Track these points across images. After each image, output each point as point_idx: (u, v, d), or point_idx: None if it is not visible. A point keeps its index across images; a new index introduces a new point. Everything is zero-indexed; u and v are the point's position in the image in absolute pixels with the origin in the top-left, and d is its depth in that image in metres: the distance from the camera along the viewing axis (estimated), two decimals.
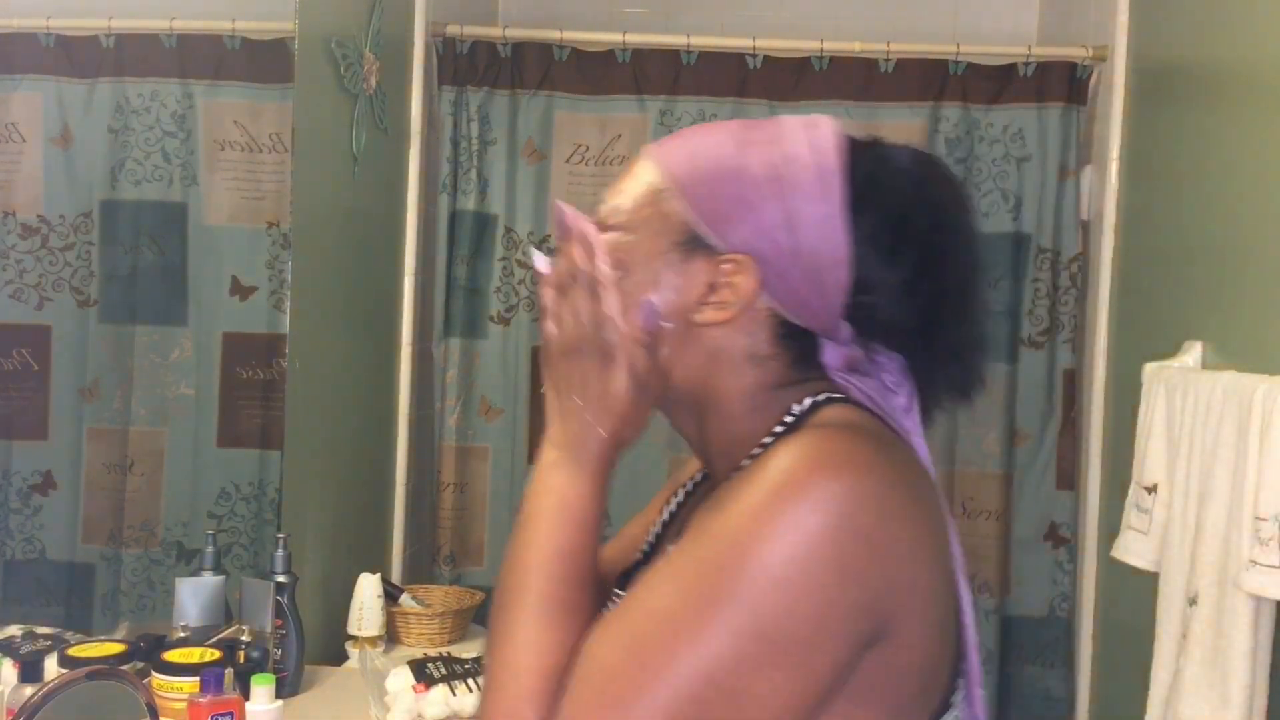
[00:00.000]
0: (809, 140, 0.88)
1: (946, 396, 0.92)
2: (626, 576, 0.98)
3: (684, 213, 0.88)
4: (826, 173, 0.87)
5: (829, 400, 0.87)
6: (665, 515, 1.04)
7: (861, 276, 0.86)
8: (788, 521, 0.74)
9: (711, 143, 0.90)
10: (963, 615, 0.87)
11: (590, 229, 0.89)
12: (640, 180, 0.91)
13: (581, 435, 0.88)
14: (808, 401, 0.88)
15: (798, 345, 0.89)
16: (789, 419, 0.87)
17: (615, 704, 0.74)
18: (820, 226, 0.86)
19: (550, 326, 0.90)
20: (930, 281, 0.88)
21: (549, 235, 2.77)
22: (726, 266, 0.87)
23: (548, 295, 0.91)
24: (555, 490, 0.87)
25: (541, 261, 0.93)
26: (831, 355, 0.89)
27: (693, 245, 0.88)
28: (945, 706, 0.83)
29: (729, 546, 0.75)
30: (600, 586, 0.89)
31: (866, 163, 0.88)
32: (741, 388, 0.89)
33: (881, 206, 0.87)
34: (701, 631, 0.74)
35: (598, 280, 0.87)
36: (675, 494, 1.05)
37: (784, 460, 0.78)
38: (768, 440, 0.86)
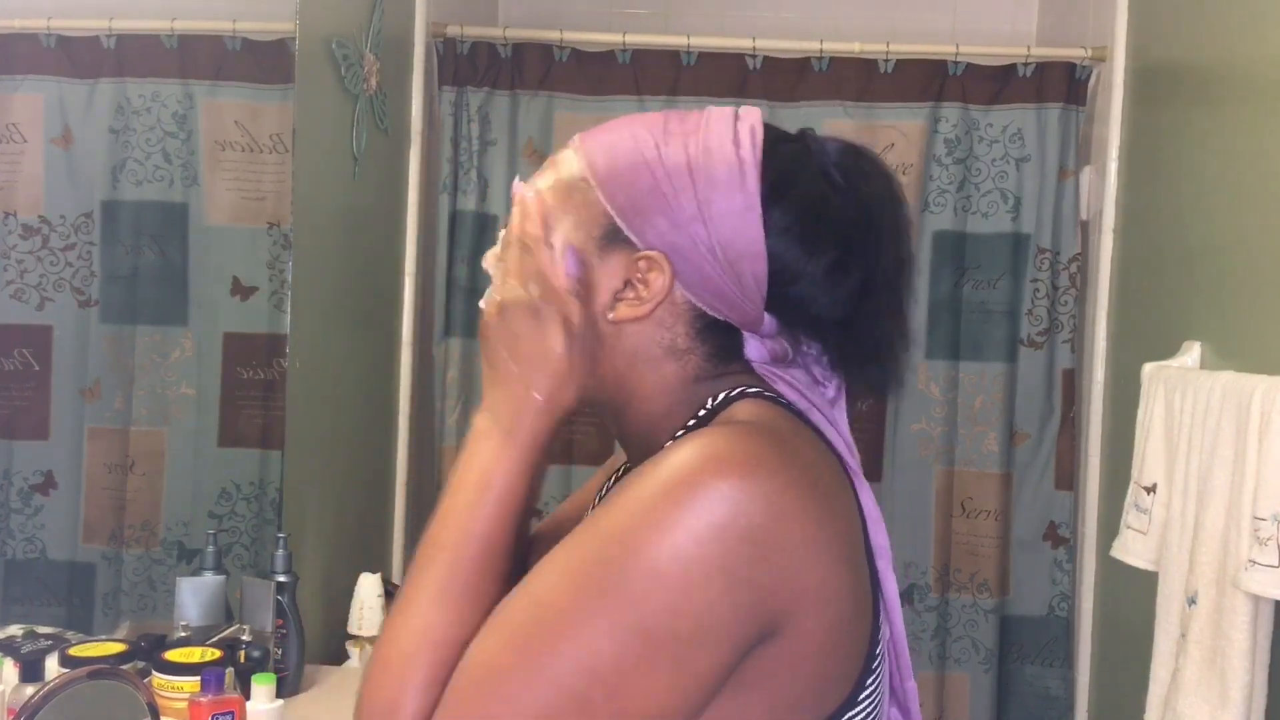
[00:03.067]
0: (730, 132, 0.88)
1: (862, 390, 0.93)
2: None
3: (603, 206, 0.87)
4: (743, 164, 0.86)
5: (742, 394, 0.87)
6: (596, 500, 1.04)
7: (782, 268, 0.86)
8: (675, 520, 0.73)
9: (631, 134, 0.89)
10: (885, 610, 0.86)
11: (529, 196, 0.89)
12: (564, 169, 0.90)
13: (515, 402, 0.86)
14: (721, 395, 0.87)
15: (717, 338, 0.88)
16: (701, 413, 0.87)
17: (494, 696, 0.73)
18: (735, 219, 0.85)
19: (488, 293, 0.90)
20: (853, 273, 0.87)
21: None
22: (641, 263, 0.86)
23: (488, 262, 0.91)
24: (480, 464, 0.85)
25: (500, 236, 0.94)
26: (754, 348, 0.89)
27: (611, 240, 0.87)
28: (851, 703, 0.82)
29: (616, 541, 0.74)
30: (522, 568, 0.85)
31: (787, 154, 0.88)
32: (660, 382, 0.89)
33: (800, 198, 0.87)
34: (585, 625, 0.73)
35: (528, 237, 0.87)
36: (610, 479, 1.05)
37: (677, 457, 0.77)
38: (680, 434, 0.86)
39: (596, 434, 2.78)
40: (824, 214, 0.87)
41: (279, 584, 1.77)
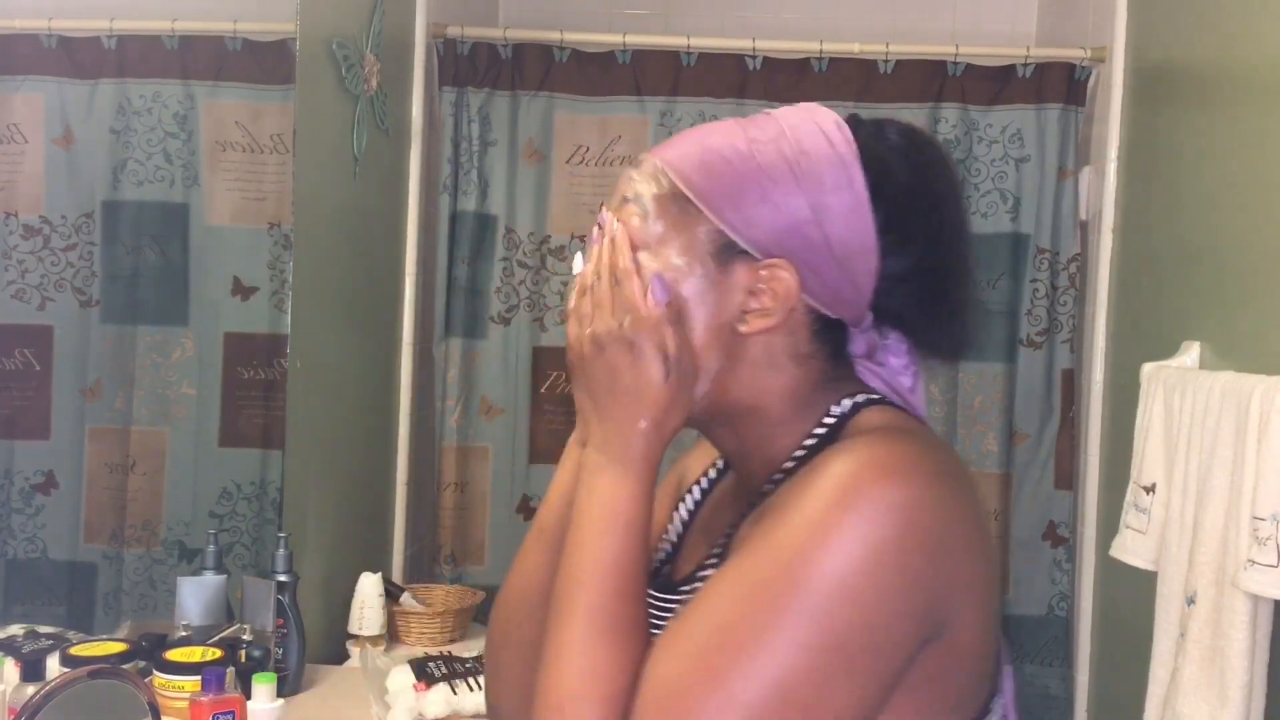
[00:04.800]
0: (818, 130, 0.88)
1: (942, 358, 0.94)
2: (654, 578, 0.97)
3: (711, 223, 0.86)
4: (845, 162, 0.86)
5: (868, 402, 0.88)
6: (684, 514, 1.03)
7: (884, 259, 0.87)
8: (851, 532, 0.75)
9: (717, 147, 0.88)
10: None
11: (618, 227, 0.88)
12: (651, 190, 0.89)
13: (624, 433, 0.86)
14: (846, 403, 0.88)
15: (833, 339, 0.89)
16: (829, 420, 0.87)
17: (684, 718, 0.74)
18: (847, 216, 0.86)
19: (572, 326, 0.89)
20: (940, 259, 0.89)
21: (549, 236, 2.78)
22: (764, 272, 0.86)
23: (573, 296, 0.90)
24: (602, 498, 0.85)
25: (577, 263, 0.92)
26: (858, 344, 0.90)
27: (727, 254, 0.86)
28: (994, 693, 0.85)
29: (793, 557, 0.75)
30: None
31: (875, 148, 0.88)
32: (783, 389, 0.89)
33: (896, 191, 0.87)
34: (770, 644, 0.74)
35: (619, 272, 0.86)
36: (690, 491, 1.05)
37: (840, 468, 0.78)
38: (810, 443, 0.87)
39: None
40: (914, 204, 0.88)
41: (280, 583, 1.77)
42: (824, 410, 0.88)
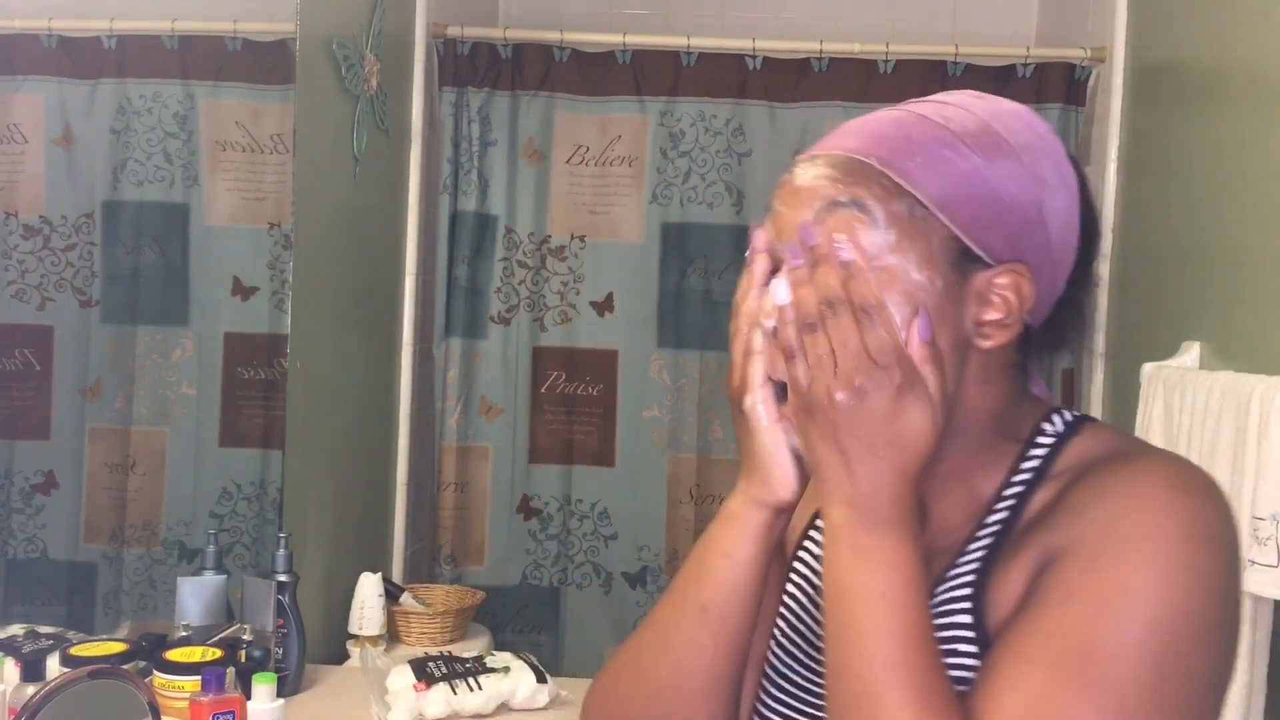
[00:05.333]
0: (1032, 125, 0.82)
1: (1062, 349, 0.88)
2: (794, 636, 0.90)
3: (947, 229, 0.77)
4: (1059, 158, 0.81)
5: (1078, 419, 0.84)
6: (803, 557, 0.94)
7: (1075, 265, 0.83)
8: (1206, 566, 0.72)
9: (930, 139, 0.79)
10: None
11: (846, 244, 0.77)
12: (874, 190, 0.78)
13: (881, 486, 0.75)
14: (1058, 421, 0.83)
15: (1027, 347, 0.83)
16: (1045, 441, 0.82)
17: None
18: (1064, 216, 0.80)
19: (797, 369, 0.76)
20: (1093, 264, 0.86)
21: (549, 236, 2.78)
22: (1003, 279, 0.78)
23: (790, 333, 0.77)
24: (883, 563, 0.74)
25: (782, 292, 0.78)
26: (1027, 351, 0.84)
27: (963, 263, 0.78)
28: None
29: (1161, 604, 0.70)
30: (747, 643, 0.83)
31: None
32: (991, 409, 0.82)
33: (1085, 190, 0.83)
34: (1169, 691, 0.70)
35: (868, 305, 0.75)
36: (804, 535, 0.95)
37: (1161, 497, 0.73)
38: (1025, 477, 0.81)
39: (596, 434, 2.79)
40: (1092, 208, 0.84)
41: (280, 584, 1.77)
42: (1027, 430, 0.82)
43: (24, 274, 1.64)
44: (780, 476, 0.82)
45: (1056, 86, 2.67)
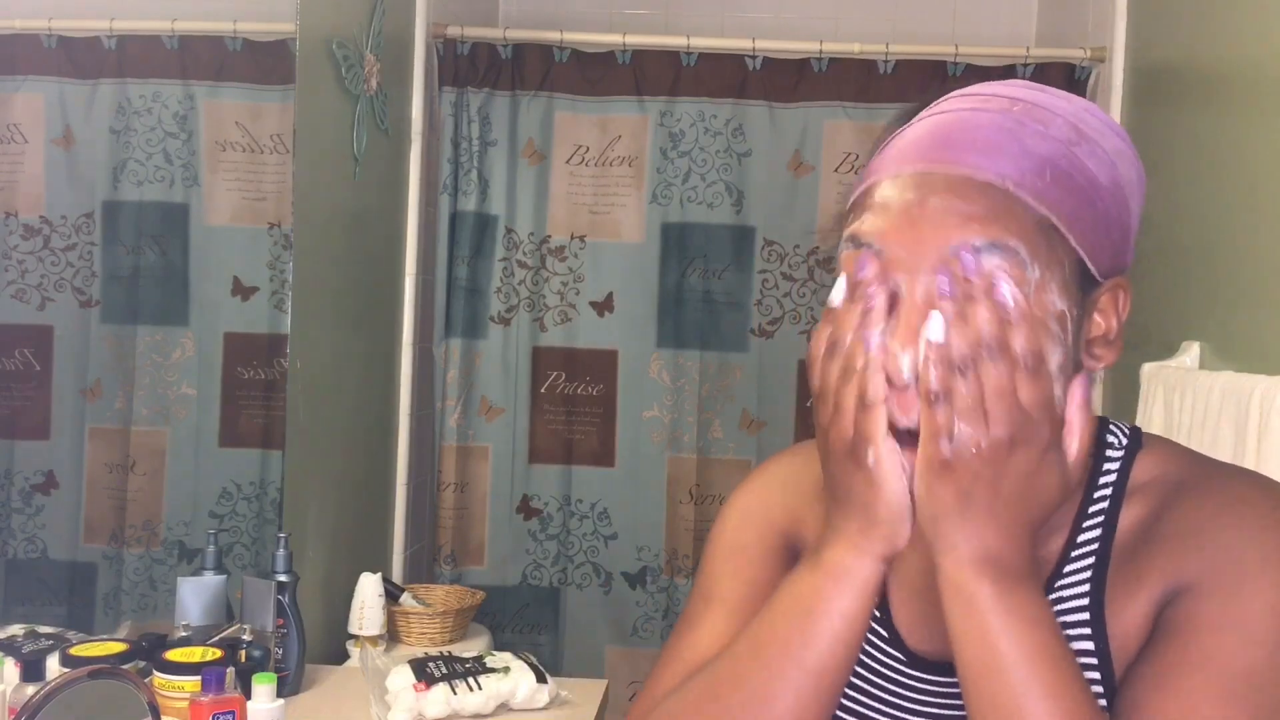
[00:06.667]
0: (1108, 123, 0.79)
1: None
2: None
3: (1074, 251, 0.75)
4: (1140, 170, 0.79)
5: (1134, 431, 0.84)
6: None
7: None
8: None
9: (1054, 153, 0.75)
10: None
11: (1005, 290, 0.71)
12: (1009, 224, 0.72)
13: (1019, 543, 0.71)
14: (1120, 434, 0.83)
15: None
16: (1115, 454, 0.82)
17: None
18: (1136, 222, 0.79)
19: (938, 417, 0.70)
20: None
21: (549, 236, 2.78)
22: (1112, 295, 0.77)
23: (935, 375, 0.70)
24: (1030, 619, 0.70)
25: (937, 329, 0.71)
26: None
27: (1086, 285, 0.76)
28: None
29: None
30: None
31: None
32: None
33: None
34: None
35: (1028, 355, 0.71)
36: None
37: (1274, 518, 0.75)
38: (1109, 479, 0.81)
39: (596, 434, 2.79)
40: None
41: (280, 584, 1.77)
42: (1090, 442, 0.77)
43: (24, 274, 1.64)
44: (906, 529, 0.74)
45: (1056, 86, 2.65)
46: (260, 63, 1.98)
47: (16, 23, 1.63)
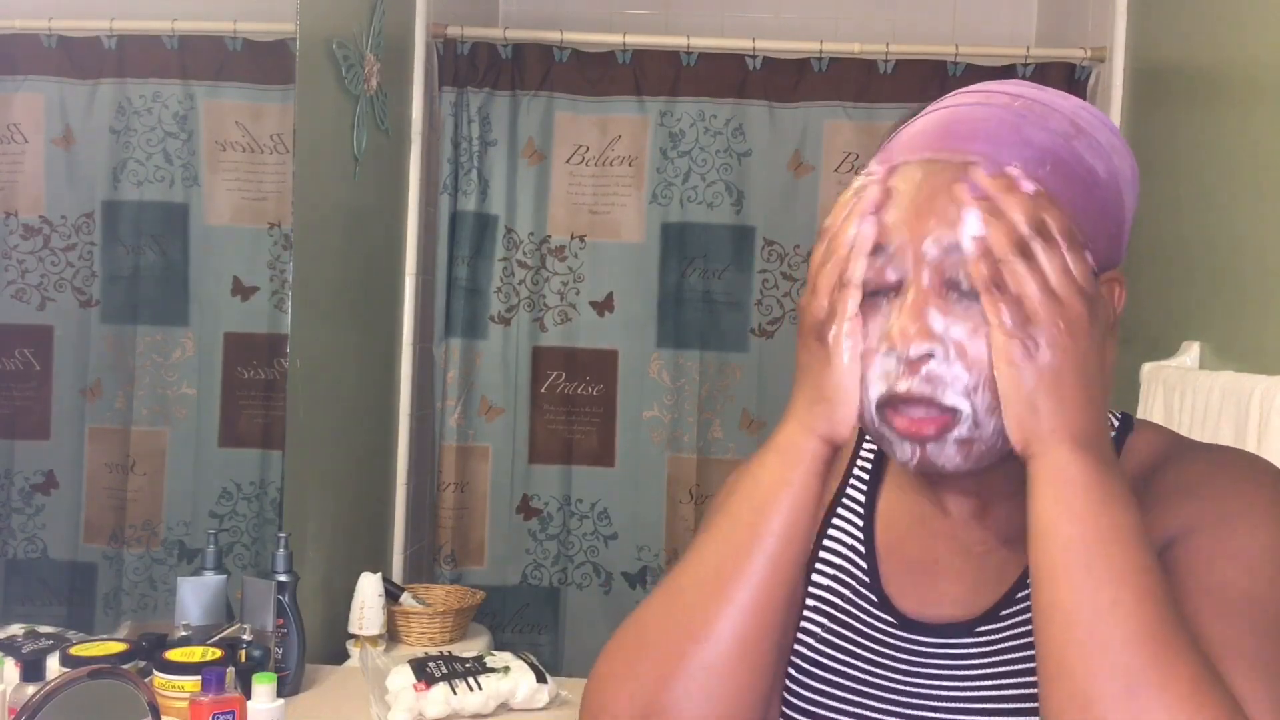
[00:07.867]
0: (1103, 120, 0.80)
1: None
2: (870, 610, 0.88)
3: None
4: (1134, 166, 0.81)
5: (1125, 418, 0.87)
6: (849, 504, 0.92)
7: None
8: None
9: (1042, 139, 0.76)
10: None
11: (1028, 183, 0.73)
12: (1015, 194, 0.73)
13: (1101, 425, 0.73)
14: (1113, 419, 0.86)
15: None
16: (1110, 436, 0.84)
17: None
18: (1130, 222, 0.82)
19: (1004, 309, 0.71)
20: None
21: (549, 236, 2.78)
22: (1104, 289, 0.79)
23: (986, 267, 0.71)
24: (1126, 501, 0.71)
25: (976, 223, 0.72)
26: None
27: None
28: None
29: None
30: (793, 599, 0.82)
31: None
32: None
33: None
34: None
35: (1065, 233, 0.72)
36: (849, 499, 0.93)
37: (1259, 466, 0.80)
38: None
39: (596, 434, 2.79)
40: None
41: (280, 583, 1.77)
42: None
43: (24, 274, 1.64)
44: (848, 414, 0.75)
45: (1056, 86, 2.64)
46: (260, 63, 1.98)
47: (16, 23, 1.63)
